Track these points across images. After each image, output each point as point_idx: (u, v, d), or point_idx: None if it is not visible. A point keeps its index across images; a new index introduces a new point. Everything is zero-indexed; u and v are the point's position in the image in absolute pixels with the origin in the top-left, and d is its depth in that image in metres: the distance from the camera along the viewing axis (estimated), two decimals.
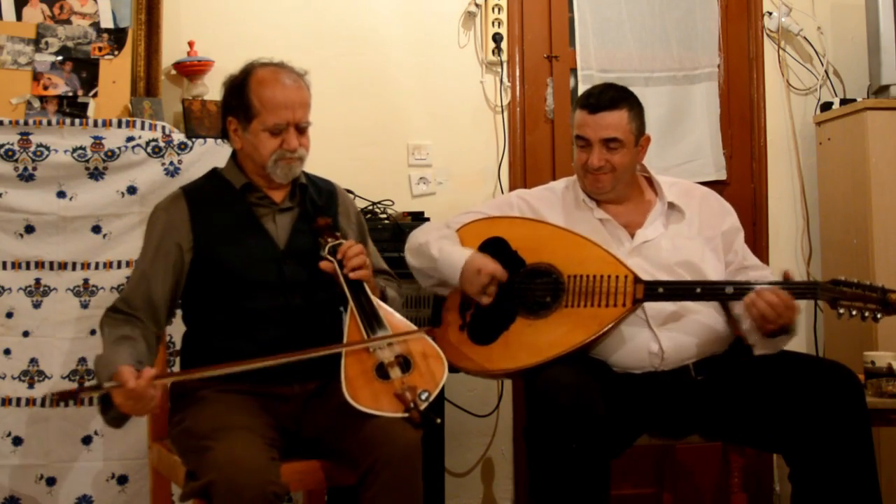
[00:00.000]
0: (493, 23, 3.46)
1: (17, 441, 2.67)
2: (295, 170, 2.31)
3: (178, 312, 2.36)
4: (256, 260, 2.25)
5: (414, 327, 2.23)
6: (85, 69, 2.86)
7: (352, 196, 2.69)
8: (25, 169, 2.66)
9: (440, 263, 2.41)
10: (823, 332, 3.60)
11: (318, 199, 2.39)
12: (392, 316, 2.23)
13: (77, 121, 2.72)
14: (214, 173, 2.40)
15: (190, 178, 2.59)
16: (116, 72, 2.89)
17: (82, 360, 2.71)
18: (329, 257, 2.25)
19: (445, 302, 2.50)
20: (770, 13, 3.66)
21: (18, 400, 2.67)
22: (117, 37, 2.90)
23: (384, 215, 3.13)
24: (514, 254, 2.43)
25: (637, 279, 2.30)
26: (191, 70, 3.09)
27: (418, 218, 3.09)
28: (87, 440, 2.71)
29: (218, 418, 2.05)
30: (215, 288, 2.25)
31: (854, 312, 2.19)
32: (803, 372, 2.23)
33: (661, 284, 2.31)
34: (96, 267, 2.73)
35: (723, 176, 3.60)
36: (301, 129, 2.28)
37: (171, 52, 3.11)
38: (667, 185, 2.52)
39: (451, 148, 3.45)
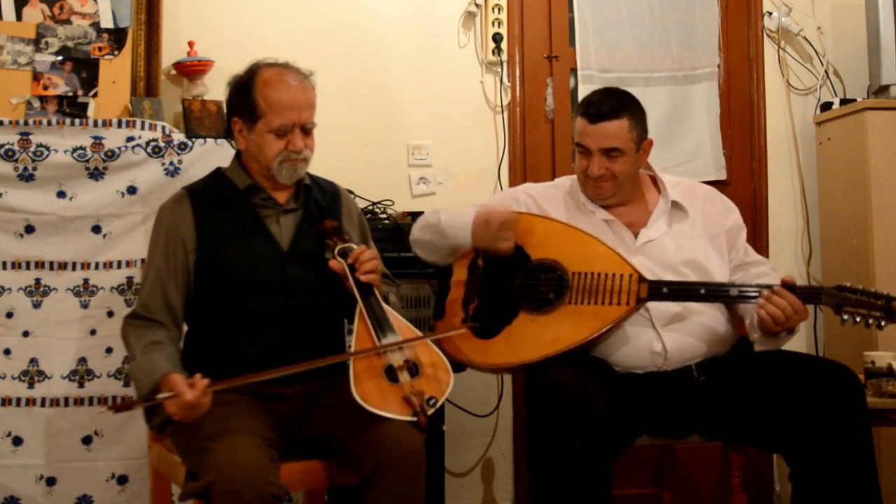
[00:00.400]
0: (493, 23, 3.46)
1: (17, 441, 2.67)
2: (300, 171, 2.31)
3: None
4: (260, 261, 2.25)
5: (419, 333, 2.24)
6: (85, 69, 2.86)
7: (352, 196, 2.68)
8: (25, 169, 2.66)
9: (448, 228, 2.45)
10: (823, 332, 3.60)
11: (322, 200, 2.39)
12: (399, 320, 2.24)
13: (77, 121, 2.72)
14: (218, 173, 2.40)
15: (190, 178, 2.59)
16: (116, 72, 2.88)
17: (82, 360, 2.71)
18: (339, 258, 2.25)
19: (448, 295, 2.50)
20: (770, 13, 3.66)
21: (18, 400, 2.67)
22: (117, 37, 2.90)
23: (384, 215, 3.13)
24: (520, 249, 2.43)
25: (641, 278, 2.31)
26: (191, 70, 3.09)
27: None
28: (87, 440, 2.70)
29: (218, 419, 2.05)
30: (218, 288, 2.25)
31: (858, 319, 2.17)
32: (804, 372, 2.23)
33: (665, 284, 2.31)
34: (96, 267, 2.73)
35: (723, 176, 3.60)
36: (306, 130, 2.28)
37: (171, 52, 3.11)
38: (671, 184, 2.52)
39: (451, 148, 3.45)
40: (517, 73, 3.51)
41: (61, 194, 2.70)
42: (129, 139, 2.72)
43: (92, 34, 2.88)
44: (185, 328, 2.35)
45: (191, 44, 3.11)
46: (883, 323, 2.17)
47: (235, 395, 2.15)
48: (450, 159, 3.45)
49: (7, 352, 2.68)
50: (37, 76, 2.82)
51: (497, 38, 3.46)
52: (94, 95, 2.85)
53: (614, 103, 2.41)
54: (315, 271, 2.27)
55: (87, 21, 2.90)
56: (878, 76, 3.39)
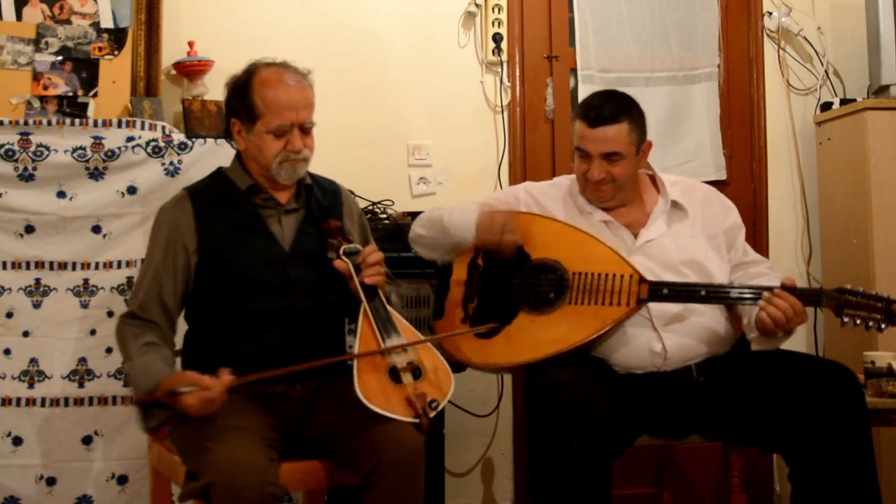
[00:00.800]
0: (493, 23, 3.46)
1: (17, 441, 2.67)
2: (299, 171, 2.30)
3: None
4: (261, 261, 2.25)
5: (421, 336, 2.24)
6: (85, 69, 2.86)
7: (353, 195, 2.68)
8: (25, 169, 2.66)
9: (451, 223, 2.45)
10: (823, 332, 3.60)
11: (323, 200, 2.39)
12: (402, 322, 2.24)
13: (77, 121, 2.72)
14: (219, 173, 2.39)
15: (190, 179, 2.59)
16: (116, 72, 2.88)
17: (82, 360, 2.71)
18: (344, 258, 2.25)
19: (448, 295, 2.51)
20: (770, 13, 3.66)
21: (18, 400, 2.67)
22: (117, 37, 2.90)
23: (384, 215, 3.13)
24: (520, 248, 2.43)
25: (642, 279, 2.30)
26: (191, 70, 3.09)
27: None
28: (87, 440, 2.70)
29: (218, 419, 2.05)
30: (220, 289, 2.25)
31: (858, 321, 2.17)
32: (803, 372, 2.23)
33: (665, 285, 2.31)
34: (96, 267, 2.73)
35: (723, 176, 3.59)
36: (305, 130, 2.27)
37: (171, 52, 3.11)
38: (670, 183, 2.52)
39: (451, 148, 3.45)
40: (517, 73, 3.51)
41: (61, 194, 2.70)
42: (129, 139, 2.73)
43: (92, 34, 2.88)
44: (186, 328, 2.35)
45: (191, 44, 3.12)
46: (883, 325, 2.16)
47: (235, 394, 2.15)
48: (450, 159, 3.45)
49: (7, 352, 2.68)
50: (37, 76, 2.82)
51: (497, 38, 3.46)
52: (94, 95, 2.86)
53: (614, 107, 2.40)
54: (317, 271, 2.27)
55: (87, 21, 2.90)
56: (878, 76, 3.39)
